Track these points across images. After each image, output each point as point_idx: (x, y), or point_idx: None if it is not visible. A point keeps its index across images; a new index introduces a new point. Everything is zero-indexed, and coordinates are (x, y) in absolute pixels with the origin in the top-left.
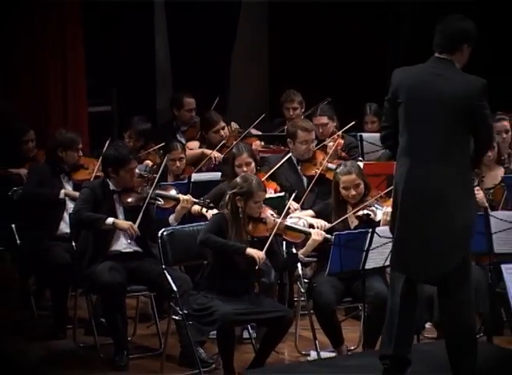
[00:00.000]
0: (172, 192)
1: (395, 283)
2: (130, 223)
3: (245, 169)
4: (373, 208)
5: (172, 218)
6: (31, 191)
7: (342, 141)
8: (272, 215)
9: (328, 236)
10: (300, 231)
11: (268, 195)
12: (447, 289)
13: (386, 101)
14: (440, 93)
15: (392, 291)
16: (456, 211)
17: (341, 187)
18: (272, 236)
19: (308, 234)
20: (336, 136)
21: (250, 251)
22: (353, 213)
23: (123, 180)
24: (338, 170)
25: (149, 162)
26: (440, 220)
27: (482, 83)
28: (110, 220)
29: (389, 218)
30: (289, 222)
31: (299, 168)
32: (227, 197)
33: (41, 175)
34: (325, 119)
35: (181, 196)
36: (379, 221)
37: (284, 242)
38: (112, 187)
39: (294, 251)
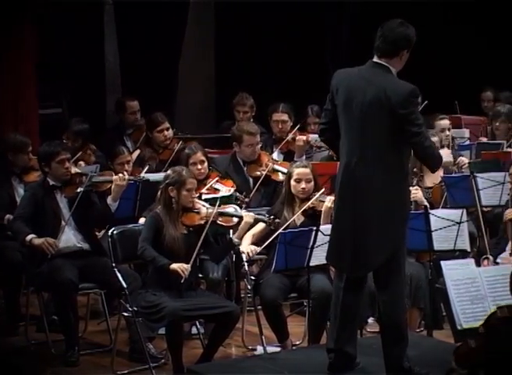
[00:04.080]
0: (108, 176)
1: (338, 277)
2: (44, 238)
3: (199, 166)
4: (320, 198)
5: (109, 199)
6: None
7: (309, 135)
8: (203, 205)
9: (259, 217)
10: (233, 215)
11: (222, 194)
12: (379, 282)
13: (328, 99)
14: (367, 99)
15: (335, 286)
16: (382, 214)
17: (292, 180)
18: (208, 224)
19: (240, 218)
20: (297, 132)
21: (173, 266)
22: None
23: (57, 172)
24: (293, 165)
25: (82, 163)
26: (366, 223)
27: (409, 90)
28: (28, 237)
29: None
30: (221, 208)
31: (245, 169)
32: (159, 191)
33: None
34: (285, 117)
35: (114, 176)
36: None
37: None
38: (51, 182)
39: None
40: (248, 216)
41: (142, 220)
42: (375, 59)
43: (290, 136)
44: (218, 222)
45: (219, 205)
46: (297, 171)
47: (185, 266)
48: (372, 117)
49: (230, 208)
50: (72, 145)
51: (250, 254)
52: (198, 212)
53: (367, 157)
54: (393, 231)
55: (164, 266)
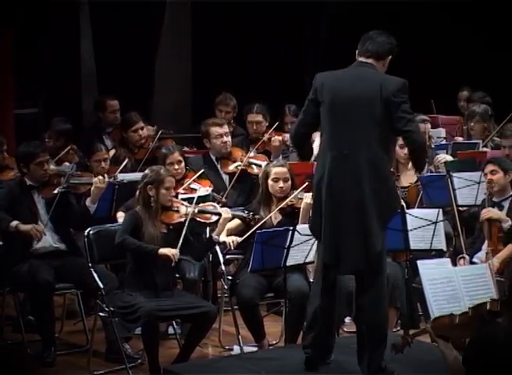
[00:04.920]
0: (87, 178)
1: (318, 275)
2: (32, 224)
3: (176, 167)
4: (298, 195)
5: (88, 201)
6: None
7: (285, 135)
8: (182, 204)
9: (238, 213)
10: (212, 213)
11: (199, 194)
12: (364, 282)
13: (308, 101)
14: (360, 91)
15: (315, 283)
16: (372, 205)
17: (270, 179)
18: (187, 221)
19: (219, 214)
20: (273, 132)
21: (162, 250)
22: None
23: (35, 173)
24: (270, 164)
25: (66, 164)
26: (356, 214)
27: (401, 81)
28: (14, 223)
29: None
30: (199, 206)
31: (218, 166)
32: (138, 191)
33: None
34: (260, 117)
35: (94, 178)
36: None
37: (208, 229)
38: (29, 182)
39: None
40: (226, 212)
41: (120, 214)
42: (362, 59)
43: (266, 136)
44: (198, 219)
45: (197, 204)
46: (275, 170)
47: (174, 250)
48: (362, 110)
49: (209, 206)
50: (54, 144)
51: (232, 245)
52: (177, 211)
53: (357, 149)
54: (379, 229)
55: (152, 251)
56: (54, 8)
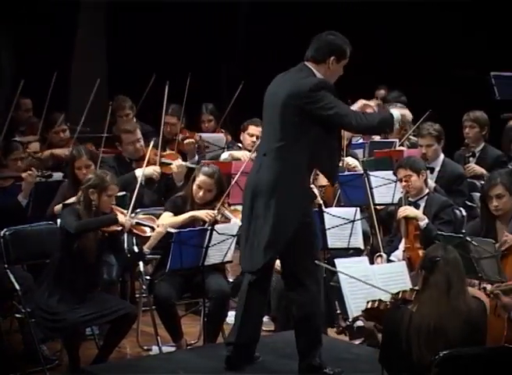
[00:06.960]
0: (10, 171)
1: (245, 274)
2: None
3: (84, 171)
4: (225, 213)
5: (20, 196)
6: None
7: (197, 136)
8: (121, 213)
9: (172, 230)
10: (148, 226)
11: None
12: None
13: None
14: (276, 96)
15: (243, 281)
16: (282, 206)
17: (195, 184)
18: (124, 233)
19: (153, 229)
20: (186, 133)
21: (120, 219)
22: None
23: None
24: (202, 168)
25: None
26: (265, 211)
27: (313, 81)
28: None
29: None
30: (137, 218)
31: (133, 166)
32: (80, 192)
33: None
34: (174, 120)
35: (23, 174)
36: None
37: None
38: None
39: (136, 249)
40: (163, 228)
41: (58, 207)
42: (304, 63)
43: (180, 136)
44: (134, 231)
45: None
46: (201, 178)
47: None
48: (280, 113)
49: (147, 219)
50: None
51: (209, 218)
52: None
53: (272, 151)
54: (287, 229)
55: (113, 219)
56: None
